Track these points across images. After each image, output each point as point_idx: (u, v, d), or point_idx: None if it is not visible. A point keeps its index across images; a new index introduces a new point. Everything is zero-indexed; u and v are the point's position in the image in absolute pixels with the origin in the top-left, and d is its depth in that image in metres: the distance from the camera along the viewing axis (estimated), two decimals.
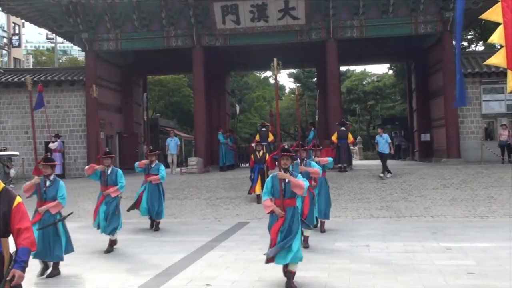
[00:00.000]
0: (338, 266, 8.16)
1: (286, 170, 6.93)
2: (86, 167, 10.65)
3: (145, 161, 12.76)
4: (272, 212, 6.99)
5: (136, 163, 12.89)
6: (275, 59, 6.70)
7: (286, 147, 7.37)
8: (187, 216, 14.48)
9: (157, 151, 13.15)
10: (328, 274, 7.68)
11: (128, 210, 12.58)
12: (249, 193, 16.00)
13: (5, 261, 3.98)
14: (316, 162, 10.38)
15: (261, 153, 16.07)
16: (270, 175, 7.19)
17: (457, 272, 7.55)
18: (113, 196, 10.15)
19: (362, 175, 18.39)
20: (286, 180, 6.88)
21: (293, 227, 6.89)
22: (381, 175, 17.97)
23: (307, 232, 9.41)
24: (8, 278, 3.87)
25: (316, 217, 10.35)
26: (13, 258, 3.96)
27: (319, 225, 11.23)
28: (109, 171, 10.25)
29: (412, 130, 28.34)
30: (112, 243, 10.09)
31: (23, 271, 3.92)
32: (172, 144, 22.97)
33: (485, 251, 8.95)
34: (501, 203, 14.00)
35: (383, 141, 18.79)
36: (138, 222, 13.27)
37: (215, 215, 14.43)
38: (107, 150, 11.77)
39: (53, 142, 21.40)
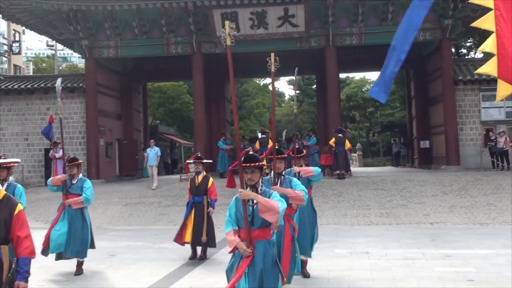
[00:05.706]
0: (337, 273, 8.15)
1: (253, 187, 4.65)
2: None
3: (61, 177, 8.88)
4: (236, 250, 4.72)
5: (49, 180, 9.06)
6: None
7: (251, 153, 4.86)
8: None
9: (79, 161, 8.98)
10: (327, 281, 7.68)
11: (45, 254, 8.75)
12: (176, 241, 9.86)
13: (4, 268, 4.01)
14: (297, 174, 7.35)
15: (200, 177, 10.23)
16: (234, 197, 4.83)
17: (456, 279, 7.55)
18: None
19: (361, 182, 18.40)
20: (252, 202, 4.61)
21: (267, 282, 4.59)
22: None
23: None
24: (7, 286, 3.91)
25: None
26: (13, 266, 3.98)
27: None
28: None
29: (412, 137, 28.35)
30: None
31: (26, 281, 4.01)
32: (152, 154, 20.93)
33: (485, 258, 8.94)
34: (501, 210, 13.99)
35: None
36: (137, 229, 13.26)
37: (214, 221, 14.35)
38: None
39: (52, 148, 21.38)
